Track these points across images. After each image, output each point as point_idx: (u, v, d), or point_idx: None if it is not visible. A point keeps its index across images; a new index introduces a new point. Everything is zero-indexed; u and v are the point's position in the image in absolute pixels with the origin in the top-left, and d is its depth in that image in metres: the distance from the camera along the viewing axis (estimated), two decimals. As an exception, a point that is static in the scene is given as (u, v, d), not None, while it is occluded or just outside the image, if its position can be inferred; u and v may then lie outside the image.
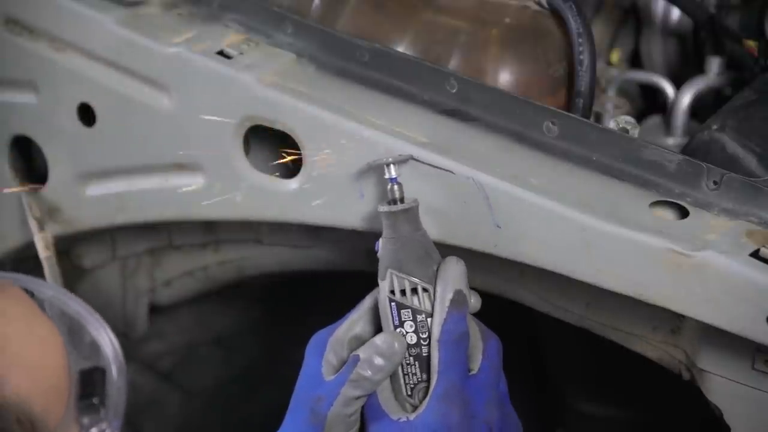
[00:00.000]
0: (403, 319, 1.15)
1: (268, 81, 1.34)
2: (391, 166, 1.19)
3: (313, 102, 1.31)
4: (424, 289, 1.15)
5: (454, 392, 1.12)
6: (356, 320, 1.18)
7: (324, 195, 1.32)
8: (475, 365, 1.15)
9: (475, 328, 1.17)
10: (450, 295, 1.14)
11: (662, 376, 1.38)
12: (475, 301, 1.18)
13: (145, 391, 2.13)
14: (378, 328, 1.17)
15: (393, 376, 1.16)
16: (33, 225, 1.61)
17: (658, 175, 1.20)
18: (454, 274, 1.15)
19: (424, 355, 1.15)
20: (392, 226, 1.17)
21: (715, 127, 1.26)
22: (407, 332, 1.15)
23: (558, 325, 1.44)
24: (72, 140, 1.53)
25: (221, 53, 1.38)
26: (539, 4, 1.41)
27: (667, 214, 1.18)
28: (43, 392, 1.04)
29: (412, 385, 1.16)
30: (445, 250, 1.22)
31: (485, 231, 1.22)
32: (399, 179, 1.18)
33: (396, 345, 1.14)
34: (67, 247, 1.71)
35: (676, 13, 1.70)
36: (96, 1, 1.47)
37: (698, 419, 1.40)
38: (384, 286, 1.15)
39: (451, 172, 1.22)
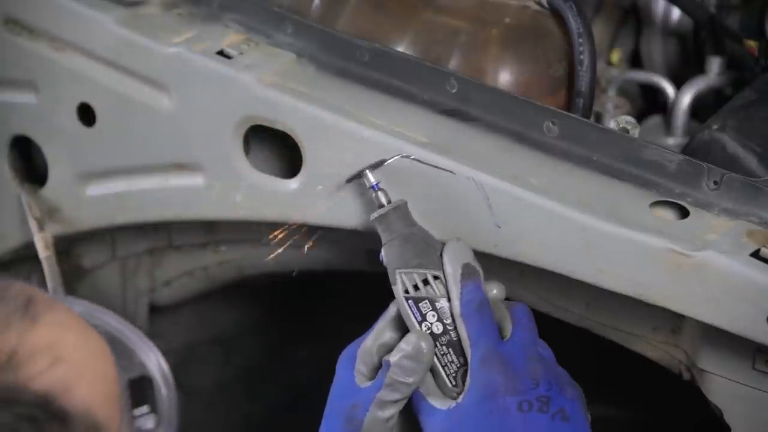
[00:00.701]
0: (423, 312, 1.15)
1: (268, 81, 1.34)
2: (368, 174, 1.20)
3: (313, 102, 1.31)
4: (435, 277, 1.16)
5: (491, 355, 1.12)
6: (382, 329, 1.19)
7: (324, 195, 1.32)
8: (507, 331, 1.15)
9: (497, 301, 1.17)
10: (459, 269, 1.15)
11: (662, 376, 1.38)
12: (498, 292, 1.18)
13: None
14: (404, 333, 1.17)
15: (434, 371, 1.16)
16: (33, 225, 1.61)
17: (658, 175, 1.19)
18: (457, 251, 1.16)
19: (454, 339, 1.15)
20: (387, 229, 1.18)
21: (715, 127, 1.26)
22: (431, 323, 1.15)
23: (558, 325, 1.44)
24: (72, 140, 1.53)
25: (221, 53, 1.38)
26: (539, 4, 1.41)
27: (668, 214, 1.18)
28: (104, 401, 1.05)
29: (453, 374, 1.16)
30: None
31: (485, 231, 1.22)
32: (380, 184, 1.20)
33: (423, 344, 1.13)
34: (67, 247, 1.71)
35: (676, 13, 1.70)
36: (96, 1, 1.47)
37: (698, 419, 1.40)
38: (397, 289, 1.16)
39: (451, 172, 1.22)
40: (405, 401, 1.14)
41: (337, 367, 1.20)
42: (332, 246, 1.66)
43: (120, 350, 1.26)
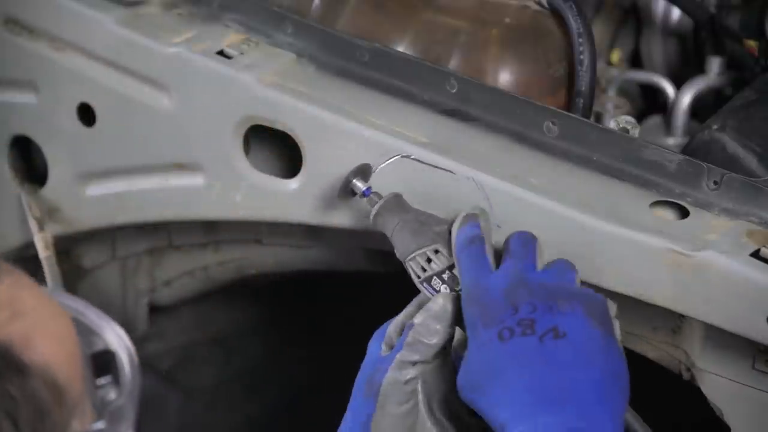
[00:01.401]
0: (437, 289, 1.15)
1: (268, 81, 1.34)
2: (356, 183, 1.20)
3: (313, 102, 1.31)
4: (435, 251, 1.15)
5: (472, 290, 1.08)
6: (412, 310, 1.16)
7: (324, 195, 1.32)
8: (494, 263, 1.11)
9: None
10: (460, 219, 1.13)
11: (662, 376, 1.38)
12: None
13: (145, 391, 2.13)
14: None
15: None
16: (33, 225, 1.61)
17: (658, 175, 1.19)
18: (464, 212, 1.14)
19: None
20: (384, 226, 1.18)
21: (715, 127, 1.26)
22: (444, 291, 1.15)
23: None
24: (72, 140, 1.53)
25: (221, 53, 1.38)
26: (539, 4, 1.41)
27: (668, 214, 1.18)
28: (65, 361, 1.06)
29: None
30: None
31: (485, 231, 1.21)
32: (371, 188, 1.20)
33: (448, 305, 1.10)
34: (67, 247, 1.71)
35: (676, 13, 1.70)
36: (96, 1, 1.47)
37: (698, 419, 1.40)
38: (413, 278, 1.16)
39: (451, 172, 1.22)
40: (425, 366, 1.10)
41: (369, 344, 1.16)
42: (332, 246, 1.66)
43: (82, 329, 1.26)
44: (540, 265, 1.11)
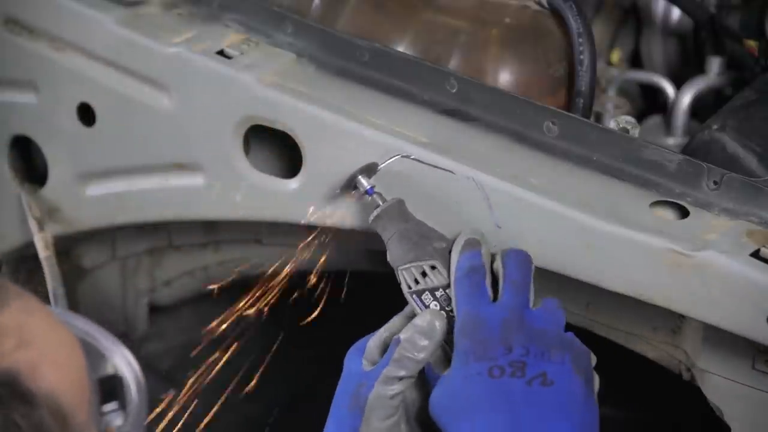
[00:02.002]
0: (426, 303, 1.15)
1: (268, 81, 1.34)
2: (361, 179, 1.20)
3: (313, 102, 1.31)
4: (432, 267, 1.15)
5: (468, 320, 1.10)
6: (395, 323, 1.18)
7: (324, 195, 1.32)
8: (498, 294, 1.12)
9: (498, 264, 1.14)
10: (462, 242, 1.14)
11: (662, 376, 1.38)
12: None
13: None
14: None
15: (444, 351, 1.15)
16: (33, 225, 1.61)
17: (658, 175, 1.19)
18: (466, 232, 1.15)
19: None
20: (384, 229, 1.18)
21: (715, 127, 1.26)
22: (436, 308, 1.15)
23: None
24: (72, 140, 1.53)
25: (221, 53, 1.38)
26: (539, 4, 1.41)
27: (668, 214, 1.18)
28: (71, 388, 1.06)
29: None
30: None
31: (485, 231, 1.21)
32: (375, 188, 1.20)
33: (436, 323, 1.12)
34: (67, 247, 1.71)
35: (676, 13, 1.70)
36: (96, 1, 1.47)
37: (698, 419, 1.40)
38: (403, 287, 1.16)
39: (452, 172, 1.22)
40: (410, 381, 1.12)
41: (345, 360, 1.18)
42: (332, 246, 1.66)
43: (90, 352, 1.27)
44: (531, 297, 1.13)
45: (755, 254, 1.11)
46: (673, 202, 1.18)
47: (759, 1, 1.52)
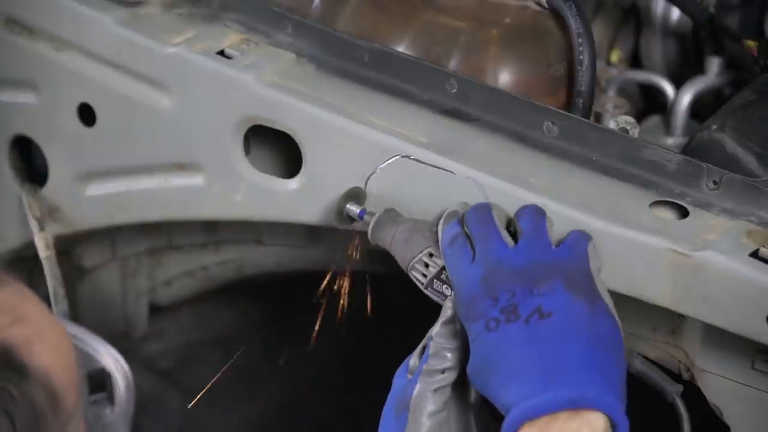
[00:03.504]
0: (441, 290, 1.16)
1: (268, 81, 1.34)
2: (350, 208, 1.21)
3: (313, 102, 1.31)
4: (429, 254, 1.16)
5: (458, 288, 1.10)
6: (430, 332, 1.17)
7: (324, 195, 1.32)
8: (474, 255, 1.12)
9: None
10: (442, 219, 1.15)
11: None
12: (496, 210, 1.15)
13: (145, 391, 2.13)
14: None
15: None
16: (33, 225, 1.61)
17: (658, 175, 1.20)
18: (447, 209, 1.16)
19: None
20: (382, 242, 1.19)
21: (715, 127, 1.26)
22: (449, 294, 1.15)
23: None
24: (72, 140, 1.53)
25: (221, 53, 1.38)
26: (539, 4, 1.41)
27: (667, 214, 1.18)
28: (63, 371, 1.08)
29: None
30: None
31: (485, 231, 1.21)
32: (365, 211, 1.21)
33: (449, 310, 1.12)
34: (67, 247, 1.71)
35: (676, 13, 1.70)
36: (96, 1, 1.47)
37: (698, 419, 1.40)
38: (418, 286, 1.17)
39: (451, 172, 1.22)
40: (454, 373, 1.10)
41: (393, 379, 1.17)
42: (332, 246, 1.66)
43: (79, 352, 1.28)
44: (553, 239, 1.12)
45: (755, 254, 1.11)
46: (672, 202, 1.18)
47: (759, 1, 1.52)
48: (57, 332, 1.11)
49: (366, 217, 1.21)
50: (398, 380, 1.15)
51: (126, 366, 1.36)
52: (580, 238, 1.12)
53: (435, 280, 1.15)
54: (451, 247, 1.13)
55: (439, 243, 1.14)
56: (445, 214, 1.16)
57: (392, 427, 1.12)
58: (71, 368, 1.10)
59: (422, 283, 1.16)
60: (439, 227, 1.15)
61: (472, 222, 1.13)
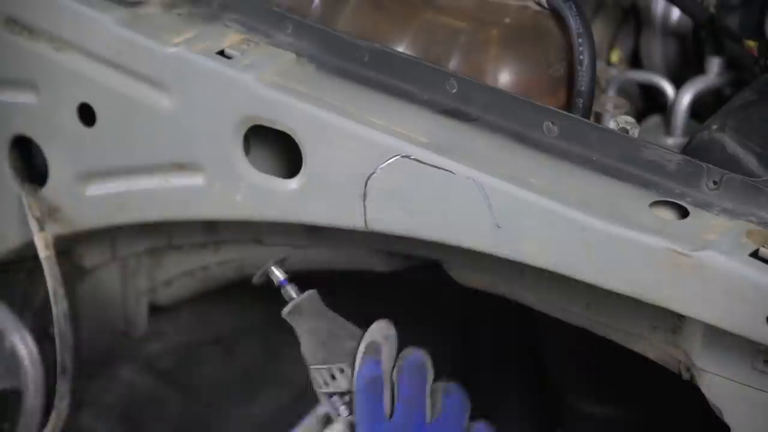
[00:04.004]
0: (336, 406, 1.19)
1: (268, 81, 1.34)
2: (274, 270, 1.21)
3: (313, 102, 1.31)
4: (340, 370, 1.16)
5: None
6: (310, 427, 1.21)
7: (324, 195, 1.32)
8: (389, 410, 1.16)
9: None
10: (363, 347, 1.16)
11: (663, 375, 1.38)
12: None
13: (145, 391, 2.13)
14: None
15: None
16: (33, 225, 1.61)
17: (658, 175, 1.20)
18: (372, 330, 1.17)
19: None
20: (296, 325, 1.20)
21: (715, 127, 1.26)
22: (345, 415, 1.18)
23: (558, 325, 1.44)
24: (72, 140, 1.53)
25: (221, 53, 1.38)
26: (539, 4, 1.41)
27: (667, 214, 1.18)
28: None
29: None
30: (446, 250, 1.22)
31: (485, 231, 1.22)
32: (287, 281, 1.22)
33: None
34: (67, 247, 1.71)
35: (676, 13, 1.70)
36: (96, 1, 1.47)
37: (698, 419, 1.40)
38: (314, 385, 1.18)
39: (451, 172, 1.22)
40: None
41: None
42: (332, 246, 1.66)
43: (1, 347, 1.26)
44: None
45: (755, 254, 1.11)
46: (672, 202, 1.18)
47: (759, 1, 1.52)
48: None
49: (289, 288, 1.20)
50: None
51: (34, 347, 1.32)
52: (457, 410, 1.17)
53: (335, 396, 1.16)
54: (365, 393, 1.15)
55: (354, 375, 1.15)
56: (365, 343, 1.16)
57: None
58: None
59: (320, 387, 1.16)
60: (358, 357, 1.15)
61: (405, 382, 1.16)
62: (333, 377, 1.15)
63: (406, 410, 1.14)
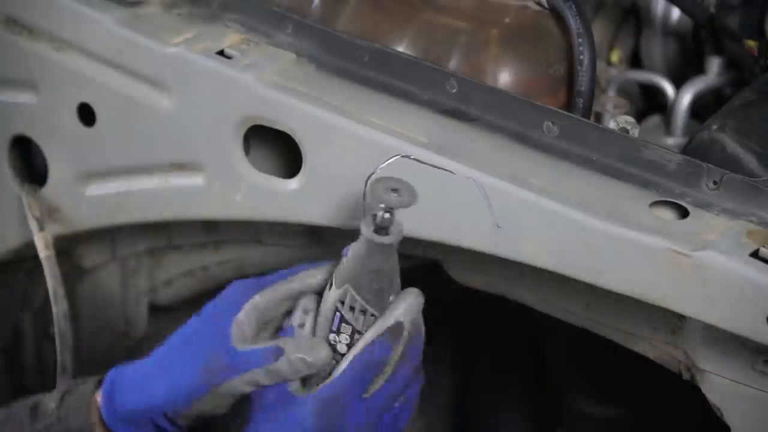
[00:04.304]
0: (341, 331, 1.16)
1: (268, 81, 1.34)
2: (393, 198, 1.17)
3: (313, 102, 1.31)
4: (373, 315, 1.15)
5: (333, 404, 1.13)
6: (276, 294, 1.20)
7: (324, 195, 1.32)
8: (373, 389, 1.15)
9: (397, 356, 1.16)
10: (390, 322, 1.14)
11: (663, 375, 1.38)
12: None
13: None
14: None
15: None
16: (33, 225, 1.61)
17: (658, 175, 1.20)
18: (406, 306, 1.15)
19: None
20: (367, 251, 1.14)
21: (715, 127, 1.26)
22: (340, 342, 1.16)
23: (558, 325, 1.44)
24: (72, 140, 1.53)
25: (221, 53, 1.38)
26: (539, 4, 1.41)
27: (667, 214, 1.18)
28: None
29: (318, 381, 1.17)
30: (446, 250, 1.22)
31: (485, 231, 1.22)
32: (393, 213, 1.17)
33: (322, 356, 1.15)
34: (67, 247, 1.71)
35: (676, 13, 1.70)
36: (96, 1, 1.47)
37: (698, 419, 1.40)
38: (337, 294, 1.15)
39: (451, 172, 1.22)
40: None
41: (222, 301, 1.21)
42: (332, 246, 1.66)
43: None
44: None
45: (755, 254, 1.11)
46: (672, 202, 1.18)
47: (759, 1, 1.52)
48: None
49: (387, 217, 1.12)
50: (221, 319, 1.19)
51: None
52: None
53: (352, 327, 1.15)
54: (367, 370, 1.14)
55: (365, 338, 1.15)
56: (393, 320, 1.14)
57: (194, 382, 1.18)
58: None
59: (342, 306, 1.15)
60: (379, 327, 1.15)
61: (402, 374, 1.16)
62: (363, 313, 1.14)
63: (386, 398, 1.15)
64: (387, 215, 1.13)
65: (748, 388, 1.21)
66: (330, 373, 1.16)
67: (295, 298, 1.21)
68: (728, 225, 1.15)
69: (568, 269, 1.19)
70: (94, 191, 1.55)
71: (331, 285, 1.17)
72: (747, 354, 1.19)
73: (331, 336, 1.17)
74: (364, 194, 1.26)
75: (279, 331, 1.20)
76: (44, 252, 1.62)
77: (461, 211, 1.23)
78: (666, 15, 1.71)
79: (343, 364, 1.15)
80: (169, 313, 1.98)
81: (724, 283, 1.11)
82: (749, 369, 1.20)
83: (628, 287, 1.16)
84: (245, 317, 1.18)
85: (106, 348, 1.90)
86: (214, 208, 1.44)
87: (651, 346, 1.34)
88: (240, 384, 1.16)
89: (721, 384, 1.23)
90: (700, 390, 1.26)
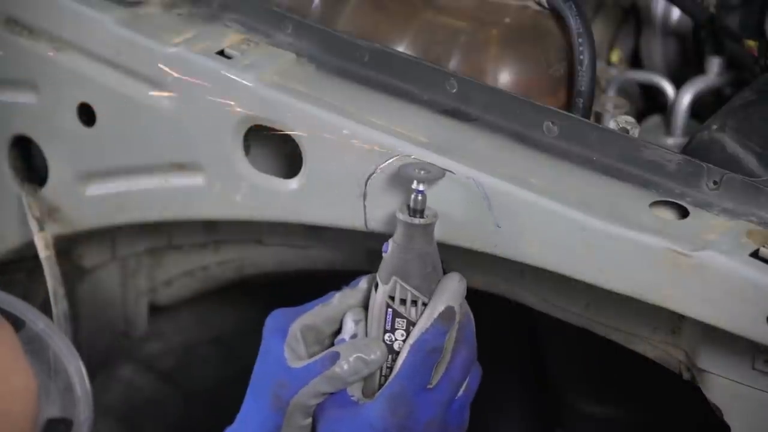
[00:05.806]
0: (395, 327, 1.15)
1: (268, 81, 1.34)
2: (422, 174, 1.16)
3: (313, 102, 1.31)
4: (424, 303, 1.15)
5: (400, 400, 1.13)
6: (323, 310, 1.19)
7: (324, 195, 1.32)
8: (435, 378, 1.15)
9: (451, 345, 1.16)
10: (441, 308, 1.14)
11: (663, 375, 1.38)
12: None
13: (145, 391, 2.13)
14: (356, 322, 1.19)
15: None
16: (33, 225, 1.61)
17: (658, 175, 1.20)
18: (452, 290, 1.15)
19: None
20: (407, 236, 1.15)
21: (715, 127, 1.26)
22: (396, 340, 1.16)
23: (558, 325, 1.44)
24: (72, 140, 1.53)
25: (221, 53, 1.38)
26: (539, 4, 1.41)
27: (667, 214, 1.18)
28: (19, 416, 1.05)
29: (384, 376, 1.17)
30: (446, 250, 1.22)
31: (485, 231, 1.22)
32: (425, 190, 1.16)
33: (379, 353, 1.15)
34: (67, 247, 1.71)
35: (676, 13, 1.70)
36: (96, 1, 1.47)
37: (698, 419, 1.40)
38: (385, 290, 1.15)
39: (451, 172, 1.22)
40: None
41: (266, 335, 1.20)
42: (332, 246, 1.66)
43: (57, 376, 1.26)
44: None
45: (755, 254, 1.11)
46: (672, 202, 1.18)
47: (759, 1, 1.52)
48: (15, 398, 1.06)
49: (420, 199, 1.13)
50: (273, 346, 1.18)
51: (88, 382, 1.33)
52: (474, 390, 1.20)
53: (405, 320, 1.14)
54: (426, 357, 1.14)
55: (420, 326, 1.14)
56: (444, 305, 1.14)
57: (269, 419, 1.18)
58: (26, 414, 1.08)
59: (392, 301, 1.14)
60: (432, 311, 1.14)
61: (458, 364, 1.16)
62: (414, 303, 1.14)
63: (449, 386, 1.15)
64: (420, 197, 1.14)
65: (748, 388, 1.21)
66: (390, 373, 1.16)
67: (339, 318, 1.20)
68: (728, 225, 1.15)
69: (568, 269, 1.19)
70: (94, 191, 1.55)
71: (376, 286, 1.17)
72: (747, 354, 1.19)
73: (386, 336, 1.16)
74: (365, 194, 1.27)
75: (331, 347, 1.19)
76: (44, 252, 1.62)
77: (461, 211, 1.23)
78: (666, 15, 1.71)
79: (403, 355, 1.14)
80: (169, 313, 1.98)
81: (724, 283, 1.11)
82: (749, 369, 1.20)
83: (628, 287, 1.16)
84: (294, 338, 1.18)
85: (106, 348, 1.91)
86: (214, 208, 1.44)
87: (651, 346, 1.34)
88: (304, 398, 1.14)
89: (721, 384, 1.23)
90: (700, 390, 1.26)
